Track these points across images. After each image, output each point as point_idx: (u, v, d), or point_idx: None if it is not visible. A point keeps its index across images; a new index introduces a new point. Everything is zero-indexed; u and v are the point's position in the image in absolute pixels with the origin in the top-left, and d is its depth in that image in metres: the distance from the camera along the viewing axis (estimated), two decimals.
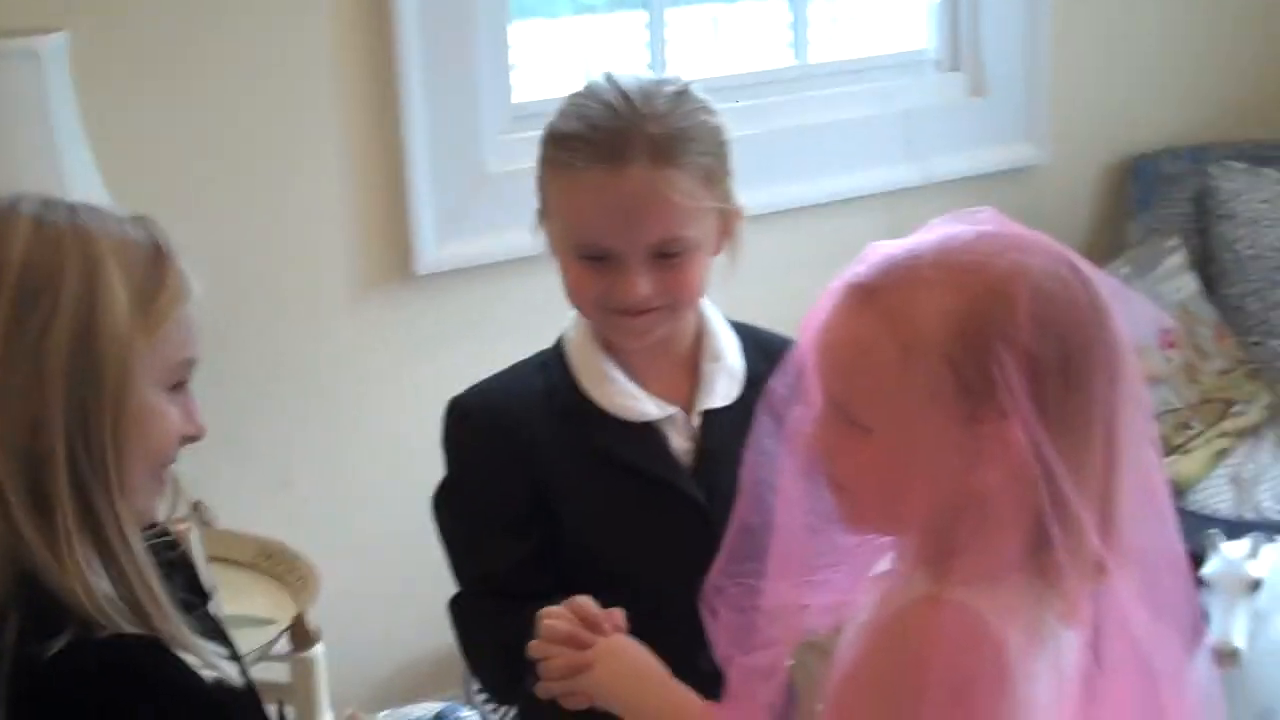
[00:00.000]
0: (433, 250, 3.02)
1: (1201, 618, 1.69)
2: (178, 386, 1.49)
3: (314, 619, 2.43)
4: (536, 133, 3.02)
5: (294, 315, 2.91)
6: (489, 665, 1.86)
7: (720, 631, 1.61)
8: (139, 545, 1.44)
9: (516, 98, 3.15)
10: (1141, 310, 1.51)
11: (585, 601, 1.64)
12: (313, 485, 2.97)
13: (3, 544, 1.38)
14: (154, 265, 1.44)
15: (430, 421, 3.00)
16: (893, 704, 1.39)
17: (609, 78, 1.83)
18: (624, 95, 1.79)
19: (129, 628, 1.40)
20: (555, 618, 1.62)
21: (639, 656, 1.63)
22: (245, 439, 2.88)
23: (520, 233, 2.99)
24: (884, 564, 1.54)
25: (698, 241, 1.79)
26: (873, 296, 1.40)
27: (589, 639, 1.62)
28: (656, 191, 1.75)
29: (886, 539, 1.56)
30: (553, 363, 1.90)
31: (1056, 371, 1.36)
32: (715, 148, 1.81)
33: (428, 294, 3.04)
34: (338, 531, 2.79)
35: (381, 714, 2.90)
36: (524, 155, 3.02)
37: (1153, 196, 3.86)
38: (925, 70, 3.68)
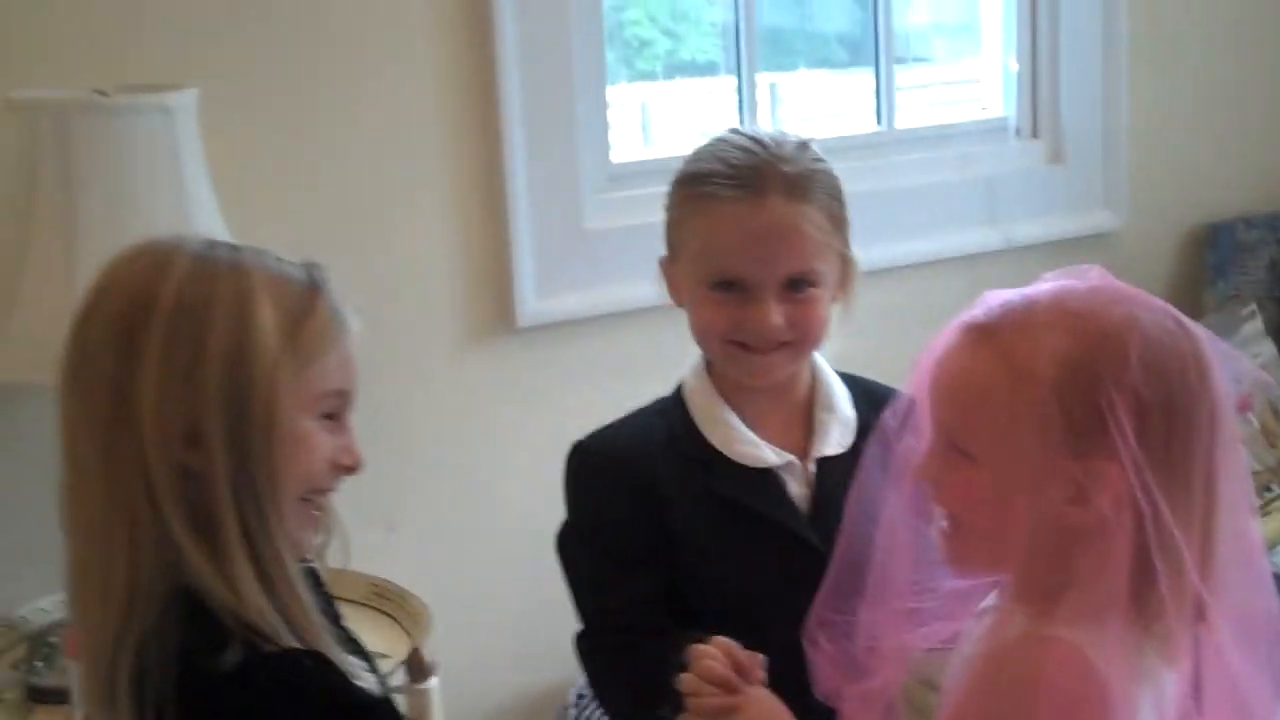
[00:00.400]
0: (533, 304, 3.10)
1: None
2: (332, 417, 1.56)
3: (428, 652, 2.50)
4: (632, 192, 3.17)
5: (402, 365, 2.99)
6: (621, 695, 1.91)
7: (821, 663, 1.68)
8: (294, 564, 1.50)
9: (614, 158, 3.24)
10: (1240, 365, 1.58)
11: (735, 646, 1.68)
12: (417, 529, 3.04)
13: (161, 559, 1.44)
14: (305, 299, 1.52)
15: (529, 468, 3.12)
16: None
17: (735, 130, 1.94)
18: (756, 139, 1.90)
19: (292, 643, 1.46)
20: (711, 658, 1.66)
21: (777, 709, 1.67)
22: (352, 483, 2.96)
23: (616, 287, 3.14)
24: (988, 599, 1.61)
25: (825, 278, 1.88)
26: (990, 336, 1.49)
27: (739, 685, 1.66)
28: (792, 223, 1.85)
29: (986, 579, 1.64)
30: (673, 410, 1.97)
31: (1162, 416, 1.44)
32: (837, 194, 1.91)
33: (528, 346, 3.12)
34: (441, 574, 2.85)
35: None
36: (620, 213, 3.17)
37: (1229, 263, 3.91)
38: (1006, 137, 3.74)
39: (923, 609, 1.67)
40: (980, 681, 1.50)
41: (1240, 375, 1.56)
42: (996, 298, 1.54)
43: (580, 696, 3.14)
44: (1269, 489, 3.55)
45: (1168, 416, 1.45)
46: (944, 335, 1.55)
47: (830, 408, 1.95)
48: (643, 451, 1.94)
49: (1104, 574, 1.44)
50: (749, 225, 1.86)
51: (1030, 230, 3.61)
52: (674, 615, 1.88)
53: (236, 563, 1.45)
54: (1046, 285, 1.53)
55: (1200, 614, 1.47)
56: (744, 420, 1.93)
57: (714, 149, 1.92)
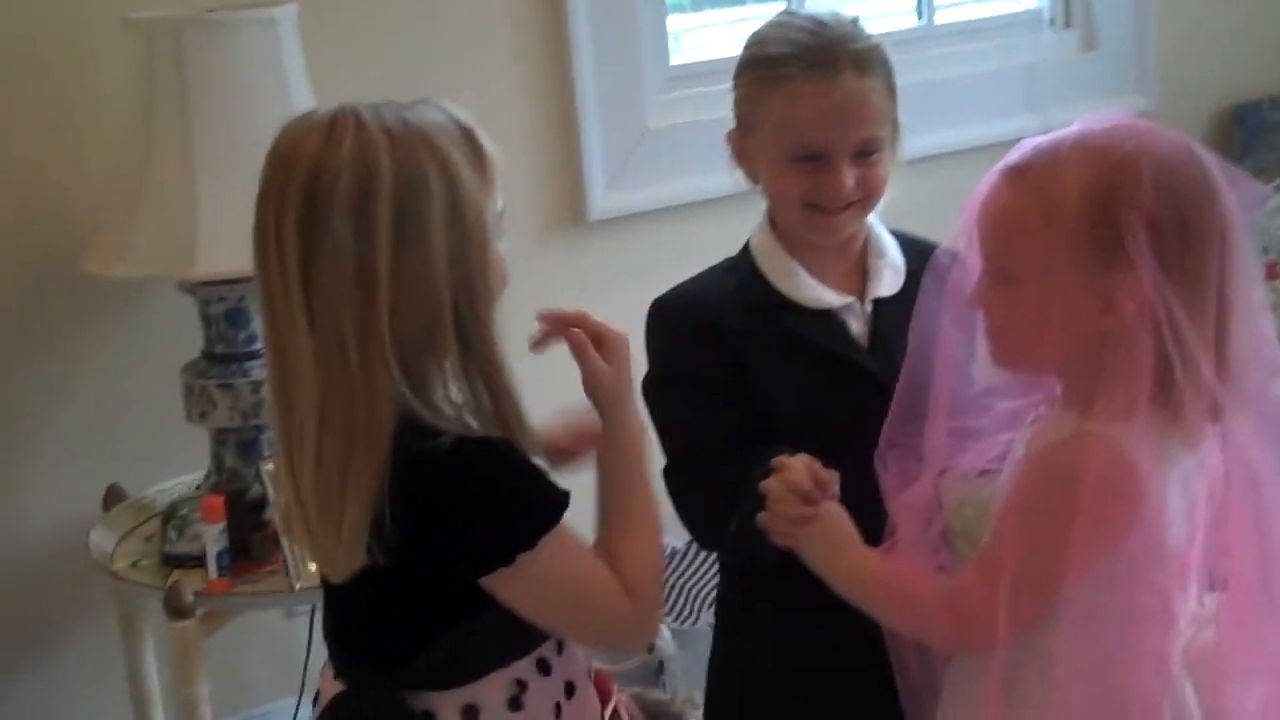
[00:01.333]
0: (601, 199, 3.31)
1: None
2: (501, 234, 1.75)
3: None
4: (692, 91, 3.36)
5: None
6: (701, 510, 2.05)
7: (889, 481, 1.86)
8: (509, 366, 1.72)
9: (674, 61, 3.44)
10: (1249, 187, 1.74)
11: (816, 462, 1.83)
12: None
13: (402, 394, 1.62)
14: (472, 143, 1.69)
15: None
16: (1047, 525, 1.65)
17: (791, 13, 2.10)
18: (815, 20, 2.05)
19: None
20: (794, 471, 1.82)
21: (848, 527, 1.82)
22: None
23: (678, 181, 3.34)
24: (1032, 414, 1.81)
25: (887, 142, 2.03)
26: (1022, 174, 1.70)
27: (817, 497, 1.82)
28: (863, 96, 2.00)
29: (1030, 395, 1.83)
30: (741, 265, 2.12)
31: (1175, 231, 1.63)
32: (890, 67, 2.06)
33: (598, 238, 3.33)
34: None
35: None
36: (681, 112, 3.36)
37: (1257, 141, 4.09)
38: (1041, 28, 3.92)
39: (979, 427, 1.86)
40: (1027, 477, 1.71)
41: (1250, 198, 1.73)
42: (1029, 143, 1.74)
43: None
44: None
45: (1181, 232, 1.64)
46: (986, 180, 1.75)
47: (882, 254, 2.11)
48: (716, 301, 2.09)
49: (1130, 373, 1.65)
50: (825, 102, 2.00)
51: (1067, 115, 3.64)
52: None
53: (482, 369, 1.68)
54: (1073, 127, 1.72)
55: (1217, 409, 1.68)
56: (808, 270, 2.08)
57: (779, 32, 2.06)
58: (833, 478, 1.84)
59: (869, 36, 2.05)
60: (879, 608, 1.81)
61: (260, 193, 1.66)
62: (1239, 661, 1.75)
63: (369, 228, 1.61)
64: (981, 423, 1.87)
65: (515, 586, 1.68)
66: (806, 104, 2.01)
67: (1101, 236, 1.64)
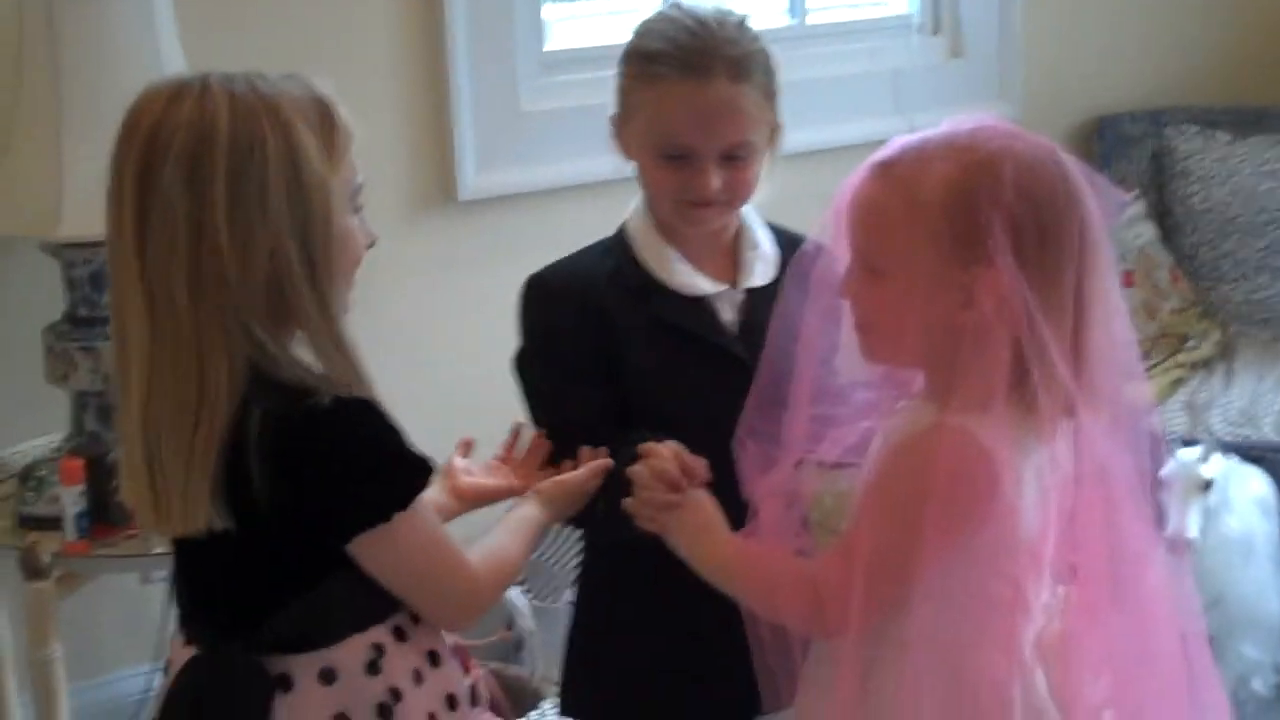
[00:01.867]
0: (472, 180, 3.33)
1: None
2: (356, 209, 1.79)
3: None
4: (565, 77, 3.40)
5: None
6: None
7: (747, 461, 1.90)
8: (349, 332, 1.74)
9: (548, 46, 3.47)
10: (1110, 193, 1.81)
11: (684, 449, 1.88)
12: None
13: (245, 356, 1.65)
14: (325, 113, 1.72)
15: (468, 330, 3.34)
16: (902, 511, 1.71)
17: (677, 6, 2.09)
18: (700, 20, 2.05)
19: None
20: (661, 458, 1.87)
21: (712, 513, 1.87)
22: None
23: (549, 165, 3.37)
24: (899, 405, 1.86)
25: (757, 147, 2.06)
26: (890, 169, 1.76)
27: (684, 484, 1.86)
28: (733, 102, 2.02)
29: (891, 387, 1.89)
30: (617, 248, 2.15)
31: (1033, 231, 1.70)
32: (770, 70, 2.08)
33: (468, 218, 3.35)
34: None
35: None
36: (554, 97, 3.40)
37: (1115, 154, 4.19)
38: (910, 33, 3.99)
39: (836, 414, 1.91)
40: (885, 465, 1.77)
41: (1111, 204, 1.79)
42: (900, 140, 1.79)
43: None
44: (1148, 356, 3.83)
45: (1039, 232, 1.70)
46: (854, 175, 1.80)
47: (755, 245, 2.15)
48: (591, 281, 2.12)
49: (987, 366, 1.70)
50: (694, 104, 2.03)
51: (932, 119, 3.69)
52: (623, 426, 2.05)
53: (318, 338, 1.69)
54: (941, 127, 1.78)
55: (1071, 405, 1.73)
56: (682, 256, 2.12)
57: (662, 27, 2.08)
58: (700, 465, 1.89)
59: (753, 40, 2.08)
60: (740, 591, 1.85)
61: (111, 155, 1.69)
62: (1086, 652, 1.80)
63: (202, 185, 1.64)
64: (839, 411, 1.91)
65: (380, 547, 1.71)
66: (676, 105, 2.05)
67: (962, 232, 1.70)
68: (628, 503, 1.88)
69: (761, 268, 2.14)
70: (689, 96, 2.03)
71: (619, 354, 2.09)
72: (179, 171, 1.64)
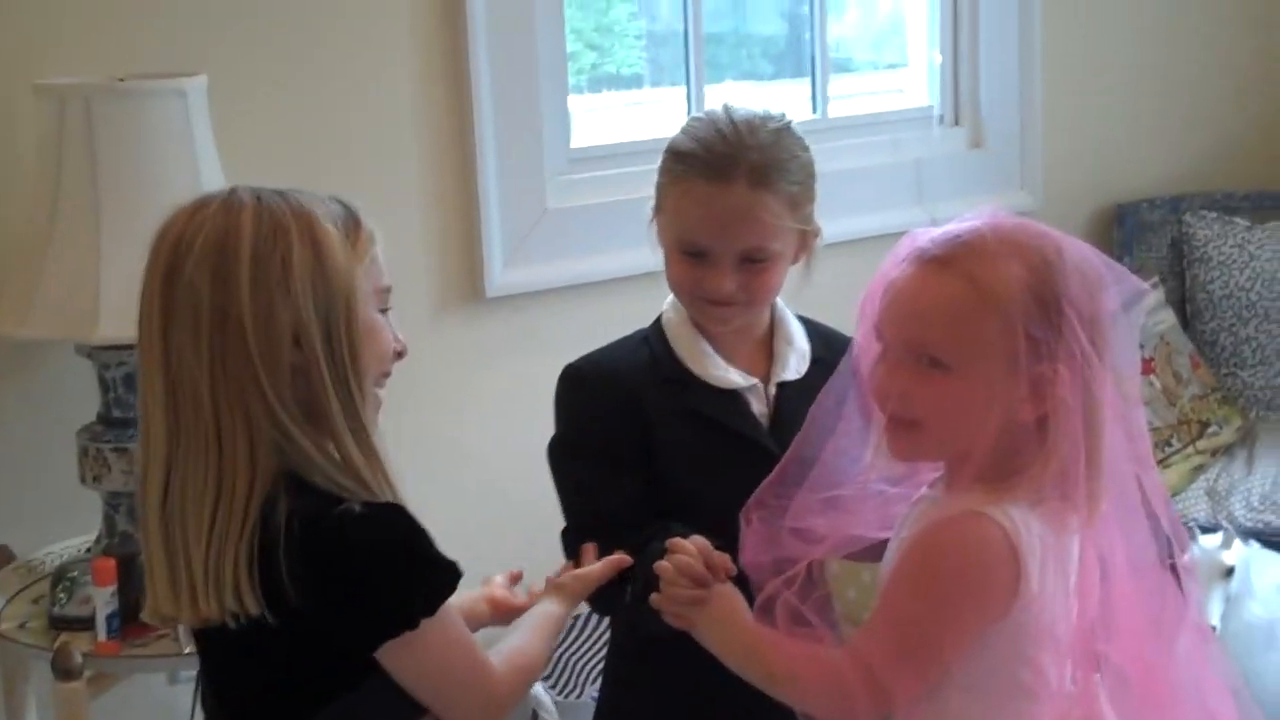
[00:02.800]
0: (500, 276, 3.36)
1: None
2: (383, 312, 1.82)
3: None
4: (590, 174, 3.44)
5: None
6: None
7: (750, 538, 1.92)
8: (378, 437, 1.77)
9: (574, 144, 3.50)
10: (1132, 284, 1.82)
11: (709, 545, 1.89)
12: None
13: (273, 451, 1.68)
14: (349, 216, 1.78)
15: (496, 424, 3.36)
16: (930, 596, 1.72)
17: (725, 107, 2.13)
18: (734, 124, 2.09)
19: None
20: (687, 554, 1.88)
21: (738, 605, 1.87)
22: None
23: (575, 261, 3.40)
24: (921, 491, 1.87)
25: (779, 253, 2.09)
26: (950, 264, 1.75)
27: (709, 580, 1.87)
28: (750, 210, 2.05)
29: (908, 482, 1.89)
30: (653, 339, 2.18)
31: (1093, 325, 1.73)
32: (803, 179, 2.12)
33: (496, 314, 3.38)
34: None
35: None
36: (580, 194, 3.44)
37: (1135, 241, 4.22)
38: (930, 125, 4.03)
39: (844, 496, 1.92)
40: (911, 553, 1.78)
41: (1132, 292, 1.82)
42: (928, 234, 1.79)
43: None
44: (1169, 443, 3.85)
45: (1095, 326, 1.73)
46: (891, 269, 1.80)
47: (788, 340, 2.18)
48: (629, 372, 2.15)
49: (1046, 458, 1.73)
50: (712, 208, 2.07)
51: (954, 209, 3.59)
52: (655, 515, 2.06)
53: (343, 438, 1.71)
54: (978, 220, 1.78)
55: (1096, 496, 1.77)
56: (716, 349, 2.15)
57: (698, 127, 2.12)
58: (725, 560, 1.90)
59: (786, 148, 2.10)
60: (768, 680, 1.85)
61: (145, 267, 1.75)
62: None
63: (226, 271, 1.68)
64: (848, 493, 1.93)
65: (406, 653, 1.73)
66: (694, 205, 2.08)
67: (1039, 328, 1.71)
68: (654, 598, 1.89)
69: (794, 362, 2.18)
70: (708, 199, 2.07)
71: (652, 441, 2.12)
72: (205, 263, 1.68)
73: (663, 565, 1.88)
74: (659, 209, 2.16)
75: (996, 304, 1.72)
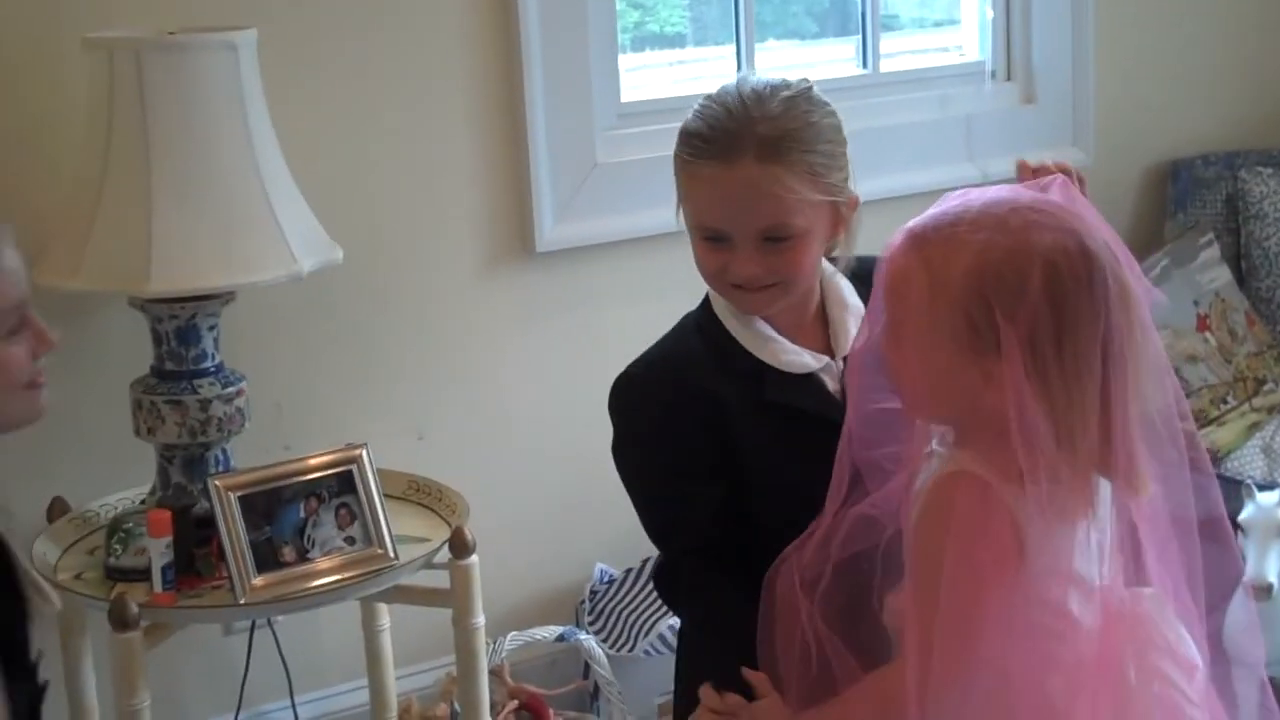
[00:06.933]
0: (550, 231, 3.36)
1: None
2: (16, 330, 1.84)
3: (468, 531, 2.74)
4: (639, 129, 3.43)
5: (433, 286, 3.27)
6: (697, 632, 2.16)
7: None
8: None
9: (623, 98, 3.50)
10: (1150, 293, 1.81)
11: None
12: (442, 437, 3.30)
13: None
14: None
15: (545, 378, 3.38)
16: (941, 571, 1.71)
17: (740, 79, 2.06)
18: (741, 99, 2.01)
19: None
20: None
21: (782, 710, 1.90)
22: (383, 395, 3.25)
23: (624, 217, 3.40)
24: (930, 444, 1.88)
25: (805, 229, 1.99)
26: (919, 243, 1.76)
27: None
28: (760, 186, 1.97)
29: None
30: (707, 326, 2.10)
31: (1050, 337, 1.70)
32: (825, 146, 2.01)
33: (545, 269, 3.38)
34: (463, 479, 3.02)
35: (510, 634, 3.23)
36: (629, 148, 3.43)
37: (1189, 197, 4.17)
38: (982, 80, 4.00)
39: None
40: (916, 518, 1.79)
41: (1153, 301, 1.80)
42: (941, 204, 1.79)
43: (593, 593, 3.42)
44: (1225, 400, 3.83)
45: (1057, 333, 1.69)
46: (895, 236, 1.80)
47: (843, 305, 2.11)
48: (693, 369, 2.06)
49: (1006, 442, 1.71)
50: (720, 189, 1.99)
51: (1005, 166, 3.72)
52: (745, 518, 2.04)
53: None
54: (984, 197, 1.77)
55: (1089, 495, 1.76)
56: (778, 330, 2.07)
57: (706, 106, 2.04)
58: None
59: (799, 117, 2.01)
60: None
61: None
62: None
63: None
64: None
65: None
66: (705, 188, 2.02)
67: (979, 324, 1.71)
68: None
69: (854, 325, 2.09)
70: (717, 180, 2.00)
71: (732, 440, 2.04)
72: None
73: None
74: (678, 195, 2.09)
75: (941, 291, 1.72)
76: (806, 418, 2.04)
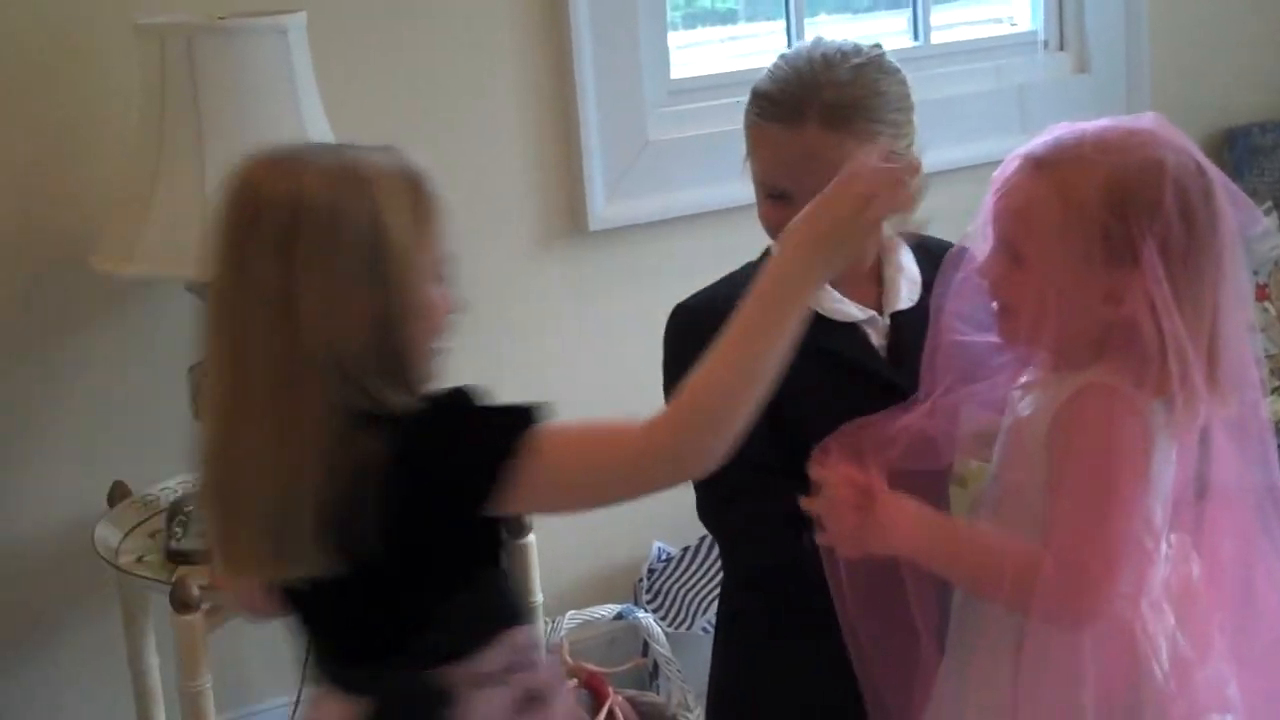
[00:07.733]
0: (602, 210, 3.37)
1: None
2: (440, 278, 1.80)
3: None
4: (690, 106, 3.42)
5: (487, 265, 3.26)
6: (753, 530, 2.10)
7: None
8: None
9: (674, 75, 3.49)
10: (1248, 211, 1.88)
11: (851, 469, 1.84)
12: None
13: (319, 415, 1.68)
14: (413, 185, 1.74)
15: (599, 357, 3.38)
16: (1091, 470, 1.76)
17: (815, 41, 2.09)
18: (811, 63, 2.04)
19: None
20: (833, 485, 1.82)
21: (913, 503, 1.82)
22: (445, 370, 3.24)
23: (676, 194, 3.39)
24: (1025, 376, 1.92)
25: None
26: (1043, 166, 1.82)
27: (870, 486, 1.83)
28: (822, 153, 1.98)
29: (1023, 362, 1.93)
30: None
31: (1182, 241, 1.77)
32: (892, 115, 2.05)
33: (598, 248, 3.39)
34: None
35: (568, 613, 3.25)
36: (680, 126, 3.42)
37: (1246, 165, 4.14)
38: (1035, 49, 3.97)
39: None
40: (1055, 437, 1.80)
41: (1248, 219, 1.86)
42: (1053, 132, 1.87)
43: (651, 571, 3.42)
44: None
45: (1187, 242, 1.77)
46: (1005, 167, 1.87)
47: (898, 267, 2.15)
48: None
49: (1130, 357, 1.78)
50: (784, 151, 2.03)
51: None
52: (782, 452, 2.02)
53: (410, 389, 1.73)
54: (1092, 126, 1.86)
55: (1200, 408, 1.80)
56: (829, 283, 2.07)
57: (778, 67, 2.08)
58: (872, 476, 1.83)
59: (866, 84, 2.03)
60: (961, 575, 1.85)
61: (213, 219, 1.74)
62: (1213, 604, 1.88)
63: (284, 253, 1.67)
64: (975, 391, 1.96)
65: (529, 477, 1.70)
66: (769, 149, 2.07)
67: (1115, 239, 1.77)
68: (822, 535, 1.85)
69: (906, 289, 2.15)
70: (782, 142, 2.04)
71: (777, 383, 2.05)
72: (268, 238, 1.67)
73: (807, 501, 1.85)
74: (747, 151, 2.13)
75: (1075, 209, 1.77)
76: (847, 365, 2.09)
